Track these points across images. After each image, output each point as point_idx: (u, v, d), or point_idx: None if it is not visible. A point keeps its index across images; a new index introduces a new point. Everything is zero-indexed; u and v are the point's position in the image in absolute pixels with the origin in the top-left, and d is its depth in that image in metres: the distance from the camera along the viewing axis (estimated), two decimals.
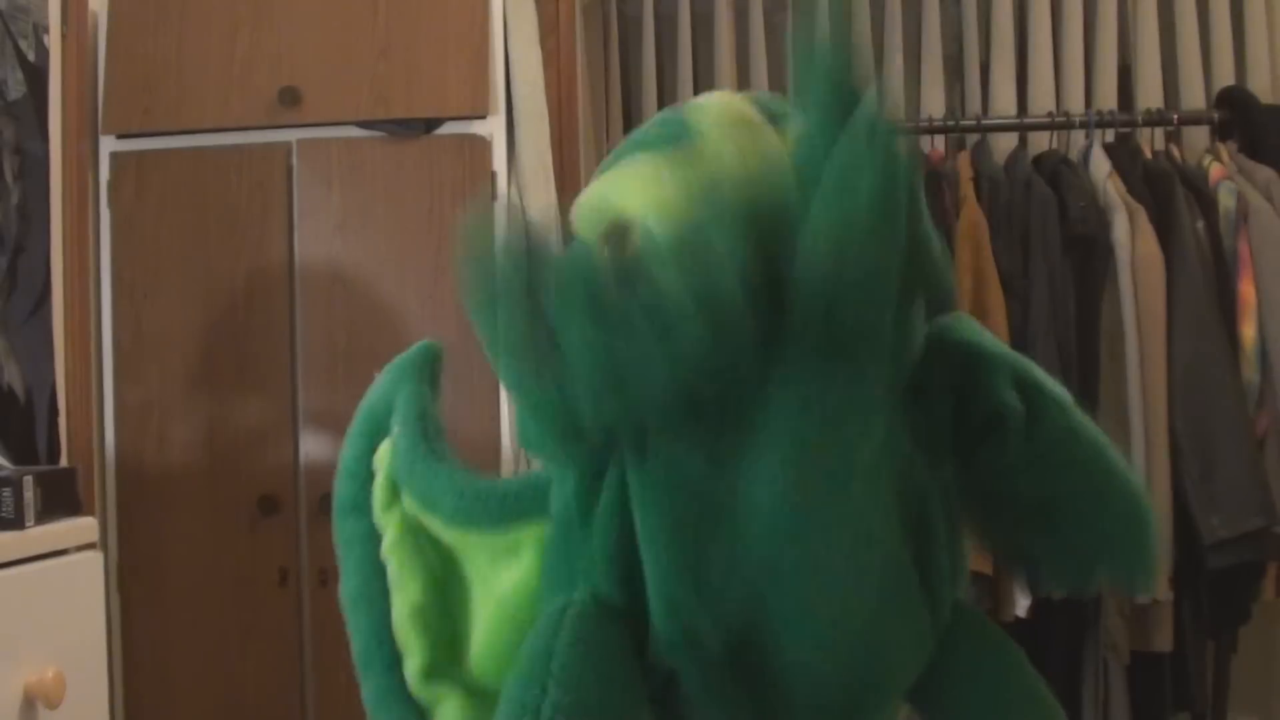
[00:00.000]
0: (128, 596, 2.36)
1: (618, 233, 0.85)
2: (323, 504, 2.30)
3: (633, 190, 0.88)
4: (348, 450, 1.05)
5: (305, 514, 2.33)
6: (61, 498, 1.73)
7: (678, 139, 0.89)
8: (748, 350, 0.80)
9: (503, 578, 0.96)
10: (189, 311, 2.37)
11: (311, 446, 2.34)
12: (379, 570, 1.01)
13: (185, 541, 2.35)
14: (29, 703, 1.50)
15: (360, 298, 2.34)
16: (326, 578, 2.30)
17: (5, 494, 1.61)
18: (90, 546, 1.75)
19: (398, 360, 1.06)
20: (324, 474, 2.35)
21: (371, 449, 1.04)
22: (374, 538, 1.01)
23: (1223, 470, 2.43)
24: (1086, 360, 2.52)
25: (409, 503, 1.00)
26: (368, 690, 1.03)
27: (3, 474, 1.65)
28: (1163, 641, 2.48)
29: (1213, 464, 2.44)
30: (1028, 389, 0.96)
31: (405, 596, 0.99)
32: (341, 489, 1.05)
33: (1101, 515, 0.97)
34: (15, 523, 1.61)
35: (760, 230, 0.80)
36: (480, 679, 0.99)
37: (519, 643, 0.90)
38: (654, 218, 0.83)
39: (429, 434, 1.00)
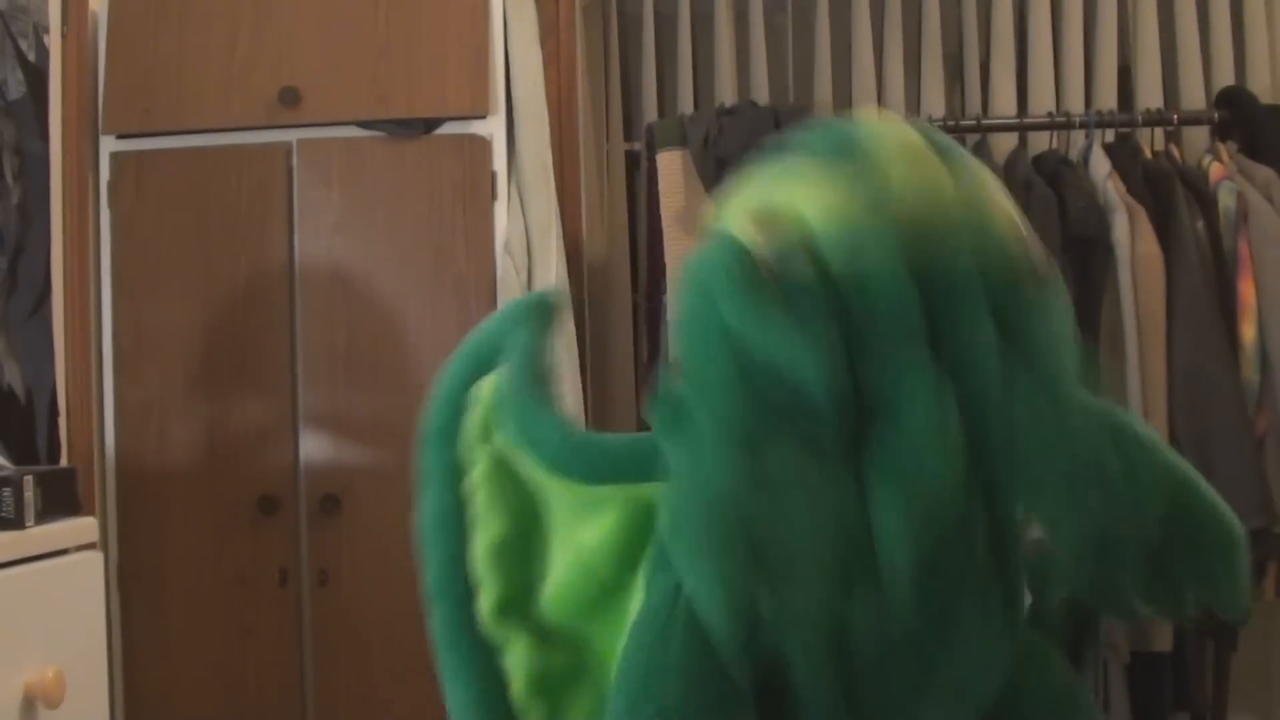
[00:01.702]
0: (128, 596, 2.36)
1: (773, 222, 0.85)
2: (323, 504, 2.31)
3: (802, 193, 0.87)
4: (448, 379, 1.05)
5: (305, 514, 2.33)
6: (61, 498, 1.73)
7: (849, 155, 0.88)
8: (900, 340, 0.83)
9: (585, 530, 0.96)
10: (189, 311, 2.37)
11: (311, 446, 2.34)
12: (460, 502, 1.00)
13: (185, 541, 2.35)
14: (29, 703, 1.50)
15: (360, 298, 2.34)
16: (326, 578, 2.30)
17: (5, 494, 1.61)
18: (90, 546, 1.75)
19: (513, 302, 1.06)
20: (324, 474, 2.36)
21: (472, 381, 1.03)
22: (457, 469, 1.01)
23: (1223, 470, 2.43)
24: (1086, 360, 2.52)
25: (503, 440, 1.00)
26: (438, 620, 1.01)
27: (3, 474, 1.65)
28: (1163, 641, 2.48)
29: (1213, 464, 2.43)
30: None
31: (488, 530, 0.99)
32: (435, 414, 1.04)
33: (1190, 543, 0.95)
34: (15, 523, 1.61)
35: (924, 255, 0.83)
36: (551, 623, 0.99)
37: (594, 597, 0.92)
38: (822, 217, 0.84)
39: (540, 377, 0.99)
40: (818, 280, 0.84)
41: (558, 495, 0.97)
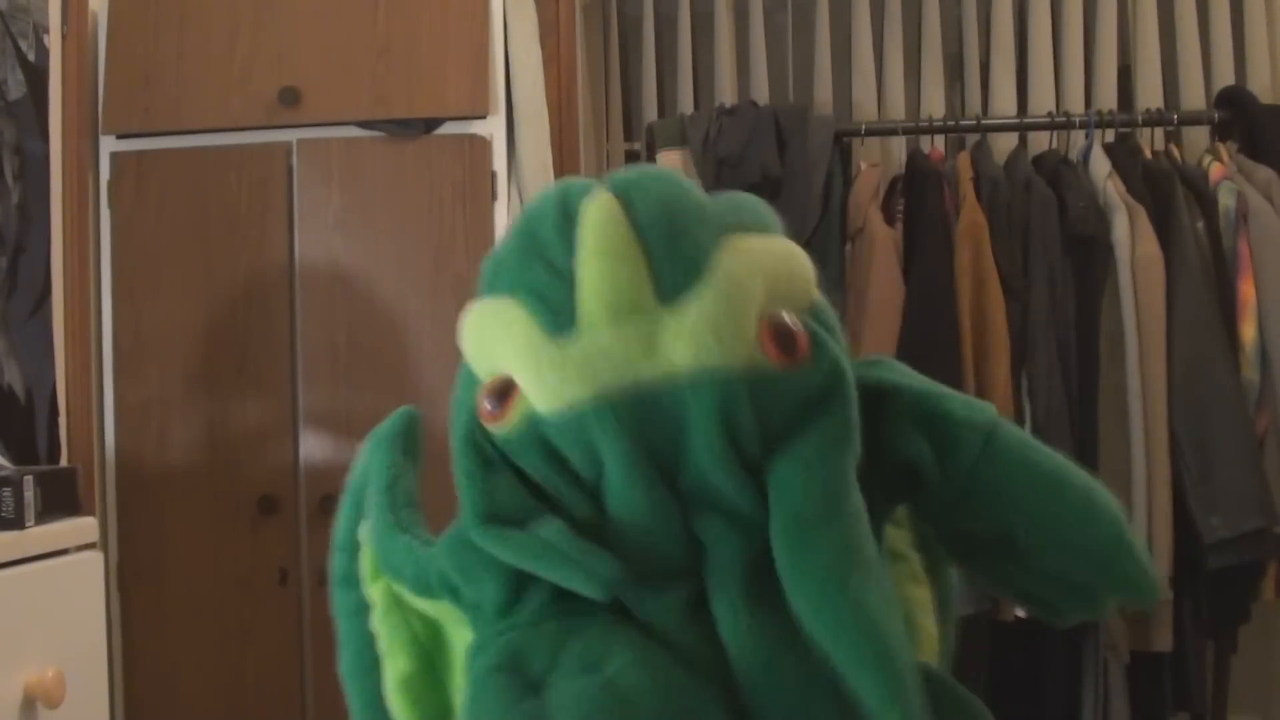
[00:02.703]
0: (128, 596, 2.36)
1: (498, 392, 0.87)
2: (323, 504, 2.31)
3: (509, 351, 0.87)
4: (337, 525, 1.05)
5: (305, 514, 2.33)
6: (61, 498, 1.73)
7: (557, 300, 0.86)
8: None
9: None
10: (189, 311, 2.37)
11: (311, 446, 2.34)
12: (371, 641, 1.00)
13: (185, 541, 2.35)
14: (29, 703, 1.50)
15: (360, 298, 2.34)
16: (326, 577, 2.30)
17: (5, 494, 1.61)
18: (90, 546, 1.75)
19: (375, 431, 1.06)
20: (324, 474, 2.36)
21: (357, 521, 1.03)
22: (365, 609, 1.01)
23: (1222, 470, 2.43)
24: (1086, 360, 2.52)
25: (385, 579, 1.00)
26: None
27: (3, 474, 1.65)
28: (1163, 641, 2.47)
29: (1212, 464, 2.43)
30: (933, 424, 0.90)
31: (394, 667, 0.98)
32: (334, 563, 1.05)
33: (1062, 528, 0.90)
34: (15, 523, 1.61)
35: (646, 439, 0.83)
36: None
37: None
38: (534, 393, 0.85)
39: (396, 505, 0.99)
40: (546, 464, 0.86)
41: (446, 614, 0.96)
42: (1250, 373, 2.50)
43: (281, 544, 2.33)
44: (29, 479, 1.65)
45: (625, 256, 0.84)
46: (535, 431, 0.86)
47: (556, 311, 0.85)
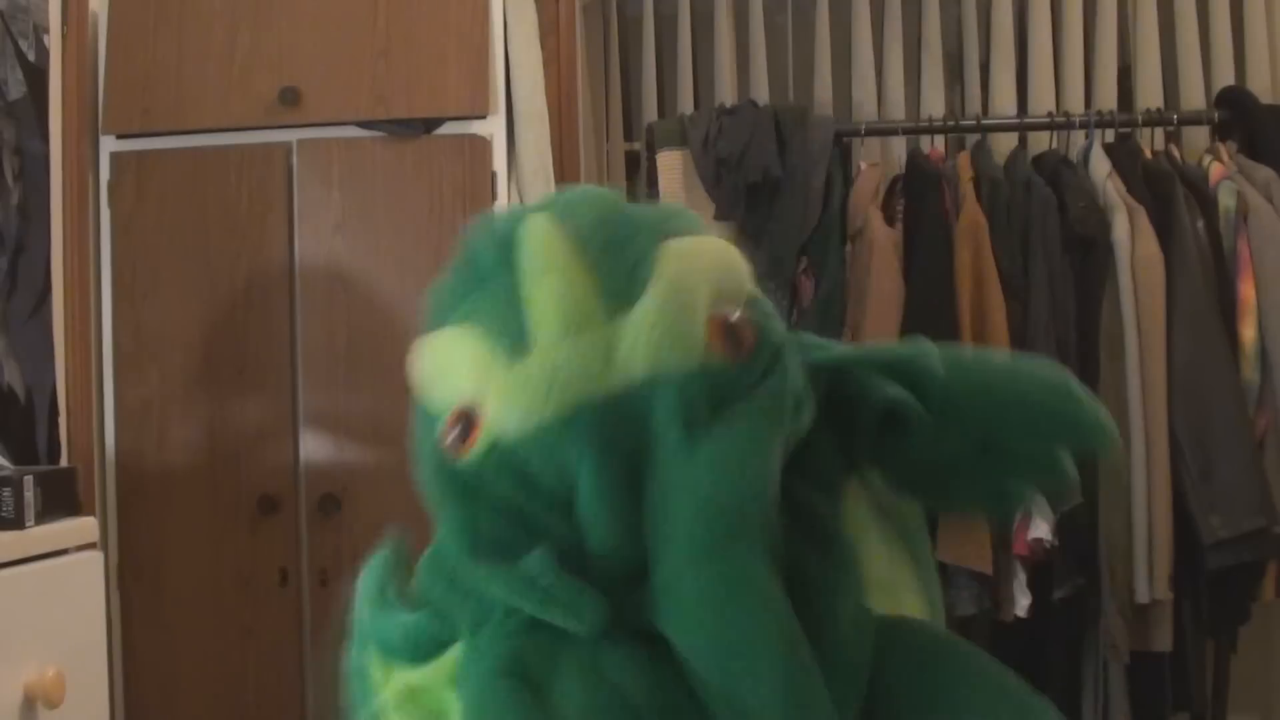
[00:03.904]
0: (128, 596, 2.36)
1: (462, 420, 0.88)
2: (322, 504, 2.31)
3: (469, 378, 0.88)
4: (346, 664, 1.05)
5: (305, 514, 2.33)
6: (61, 498, 1.73)
7: (506, 315, 0.88)
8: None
9: None
10: (189, 311, 2.37)
11: (311, 446, 2.34)
12: None
13: (185, 541, 2.35)
14: (29, 703, 1.50)
15: (360, 298, 2.34)
16: (326, 578, 2.30)
17: (5, 494, 1.61)
18: (90, 546, 1.75)
19: (361, 577, 1.06)
20: (324, 474, 2.36)
21: (365, 646, 1.03)
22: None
23: (1222, 470, 2.43)
24: (1086, 360, 2.52)
25: (394, 672, 1.00)
26: None
27: (3, 474, 1.65)
28: (1162, 641, 2.48)
29: (1212, 464, 2.44)
30: (899, 365, 0.96)
31: None
32: (350, 690, 1.05)
33: (1032, 404, 0.97)
34: (15, 523, 1.61)
35: (615, 447, 0.83)
36: None
37: None
38: (500, 416, 0.86)
39: (385, 591, 1.00)
40: (519, 488, 0.87)
41: (441, 681, 0.95)
42: (1250, 373, 2.50)
43: (281, 544, 2.33)
44: (29, 479, 1.65)
45: (569, 271, 0.86)
46: (504, 457, 0.86)
47: (511, 335, 0.86)
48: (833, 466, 0.95)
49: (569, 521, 0.86)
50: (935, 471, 0.98)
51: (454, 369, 0.90)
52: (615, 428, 0.83)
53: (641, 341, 0.84)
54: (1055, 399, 0.97)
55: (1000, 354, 0.99)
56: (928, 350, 0.98)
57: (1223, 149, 2.66)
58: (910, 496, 1.02)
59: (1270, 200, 2.55)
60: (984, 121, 2.81)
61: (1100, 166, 2.62)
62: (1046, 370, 1.00)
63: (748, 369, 0.87)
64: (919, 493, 1.02)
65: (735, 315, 0.87)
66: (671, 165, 2.75)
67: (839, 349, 1.00)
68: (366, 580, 1.04)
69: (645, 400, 0.83)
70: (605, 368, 0.84)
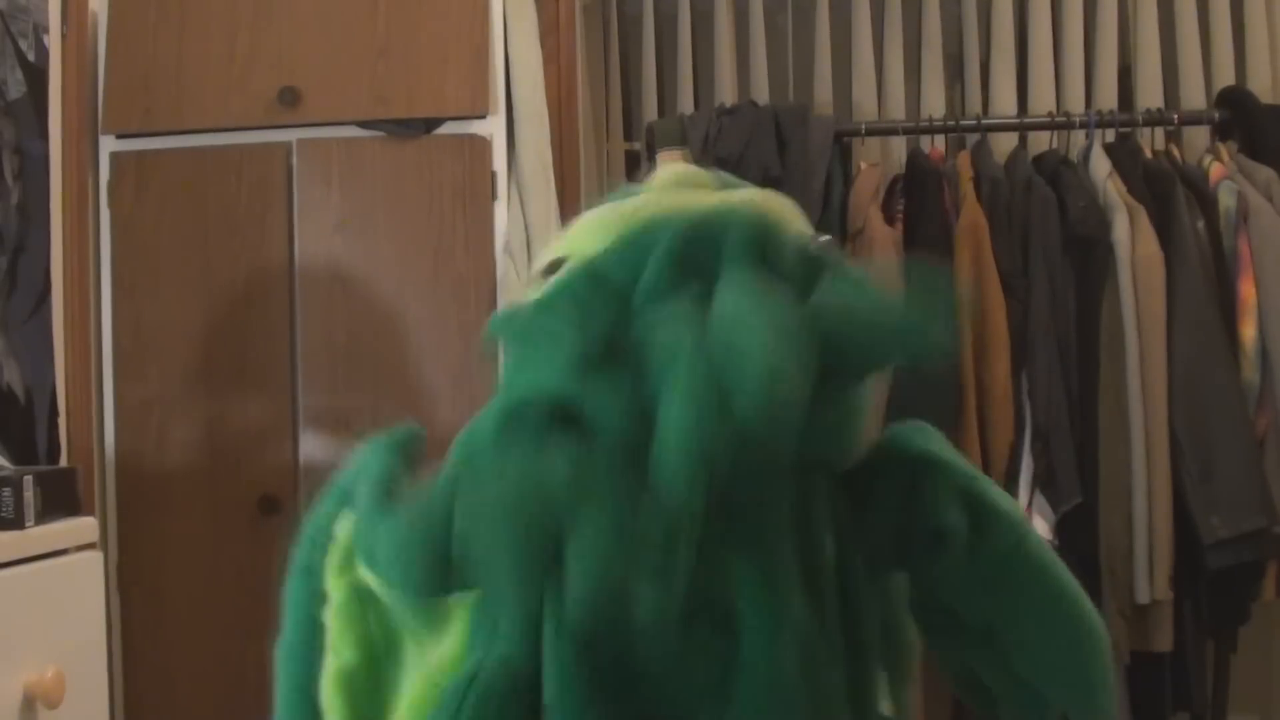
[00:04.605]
0: (127, 596, 2.36)
1: (554, 269, 0.94)
2: None
3: (573, 234, 0.97)
4: (314, 516, 1.05)
5: (305, 514, 2.33)
6: (61, 498, 1.73)
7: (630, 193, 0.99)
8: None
9: (436, 648, 0.94)
10: (189, 311, 2.37)
11: (311, 446, 2.34)
12: (318, 629, 1.00)
13: (185, 541, 2.35)
14: (29, 703, 1.50)
15: (360, 298, 2.34)
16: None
17: (5, 494, 1.61)
18: (90, 546, 1.75)
19: (376, 438, 1.06)
20: (324, 474, 2.35)
21: (335, 516, 1.03)
22: (320, 599, 1.01)
23: (1222, 470, 2.43)
24: (1086, 360, 2.52)
25: (362, 570, 0.99)
26: None
27: (3, 474, 1.65)
28: (1163, 641, 2.48)
29: (1212, 464, 2.44)
30: (975, 505, 0.94)
31: (338, 658, 0.98)
32: (299, 552, 1.05)
33: (1049, 641, 0.94)
34: (15, 523, 1.61)
35: (688, 250, 0.90)
36: None
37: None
38: (581, 255, 0.93)
39: (389, 495, 0.98)
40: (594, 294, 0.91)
41: (414, 614, 0.96)
42: (1250, 373, 2.50)
43: (281, 544, 2.33)
44: (29, 479, 1.65)
45: (690, 175, 1.01)
46: (589, 267, 0.92)
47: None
48: (886, 553, 0.94)
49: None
50: (939, 609, 0.97)
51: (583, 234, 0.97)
52: (693, 238, 0.90)
53: (736, 196, 0.96)
54: (1094, 674, 0.94)
55: (1074, 582, 0.96)
56: (1019, 516, 0.96)
57: (1223, 149, 2.66)
58: (917, 618, 1.00)
59: (1270, 200, 2.55)
60: (984, 121, 2.81)
61: (1100, 166, 2.62)
62: (1101, 639, 0.95)
63: (814, 262, 0.93)
64: (925, 624, 1.00)
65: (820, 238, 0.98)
66: (671, 165, 2.74)
67: (927, 441, 0.98)
68: (369, 465, 1.03)
69: (726, 219, 0.91)
70: (700, 199, 0.95)
